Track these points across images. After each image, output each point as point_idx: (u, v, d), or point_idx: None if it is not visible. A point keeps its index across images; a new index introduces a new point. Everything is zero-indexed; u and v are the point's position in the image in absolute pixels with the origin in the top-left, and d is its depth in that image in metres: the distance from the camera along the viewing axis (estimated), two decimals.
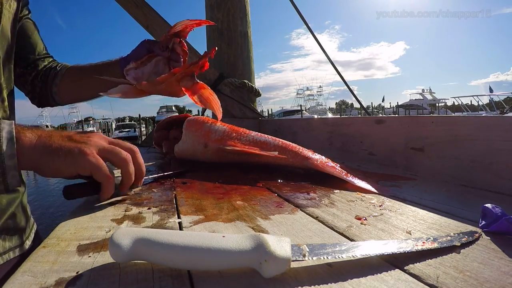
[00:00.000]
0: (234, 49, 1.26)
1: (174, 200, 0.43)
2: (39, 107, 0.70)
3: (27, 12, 0.63)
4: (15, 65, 0.59)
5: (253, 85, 1.26)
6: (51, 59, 0.68)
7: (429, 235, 0.29)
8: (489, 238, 0.27)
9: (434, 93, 29.18)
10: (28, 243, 0.51)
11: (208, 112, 1.37)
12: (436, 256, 0.25)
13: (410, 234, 0.29)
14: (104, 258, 0.26)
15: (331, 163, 0.54)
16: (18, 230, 0.49)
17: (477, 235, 0.28)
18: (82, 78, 0.65)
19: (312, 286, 0.21)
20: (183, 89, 0.52)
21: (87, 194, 0.41)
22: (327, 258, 0.24)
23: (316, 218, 0.34)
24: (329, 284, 0.21)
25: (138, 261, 0.24)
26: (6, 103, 0.50)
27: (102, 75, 0.57)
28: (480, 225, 0.30)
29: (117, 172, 0.41)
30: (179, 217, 0.35)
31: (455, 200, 0.39)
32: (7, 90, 0.51)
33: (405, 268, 0.23)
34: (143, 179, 0.50)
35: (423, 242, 0.26)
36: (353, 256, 0.24)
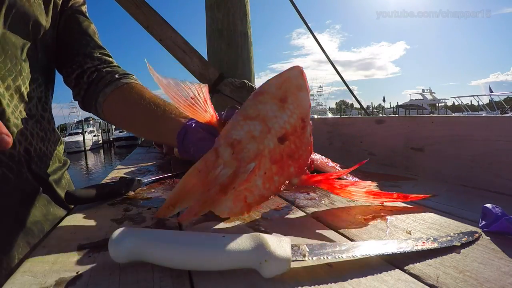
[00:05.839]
0: (234, 49, 1.26)
1: None
2: (83, 109, 0.56)
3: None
4: (63, 65, 0.54)
5: (253, 85, 1.26)
6: (101, 61, 0.55)
7: (429, 235, 0.29)
8: (489, 238, 0.27)
9: (434, 93, 29.20)
10: None
11: None
12: (436, 256, 0.25)
13: (410, 234, 0.29)
14: (104, 258, 0.26)
15: (331, 163, 0.54)
16: None
17: (477, 235, 0.28)
18: (131, 111, 0.50)
19: (312, 286, 0.21)
20: None
21: (90, 201, 0.41)
22: (327, 258, 0.24)
23: (316, 218, 0.34)
24: (329, 284, 0.21)
25: (138, 261, 0.24)
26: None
27: (157, 125, 0.45)
28: (480, 225, 0.30)
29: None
30: None
31: (455, 200, 0.39)
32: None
33: (405, 268, 0.23)
34: (144, 181, 0.50)
35: (423, 242, 0.26)
36: (353, 256, 0.24)
